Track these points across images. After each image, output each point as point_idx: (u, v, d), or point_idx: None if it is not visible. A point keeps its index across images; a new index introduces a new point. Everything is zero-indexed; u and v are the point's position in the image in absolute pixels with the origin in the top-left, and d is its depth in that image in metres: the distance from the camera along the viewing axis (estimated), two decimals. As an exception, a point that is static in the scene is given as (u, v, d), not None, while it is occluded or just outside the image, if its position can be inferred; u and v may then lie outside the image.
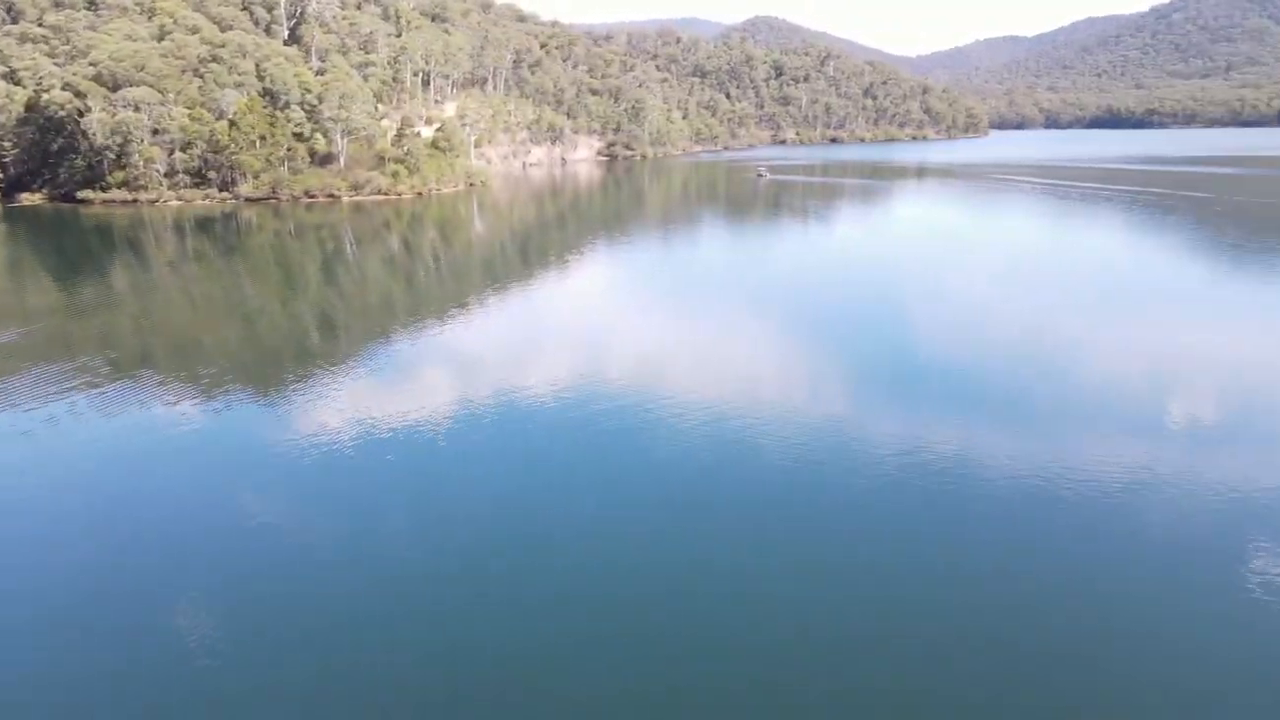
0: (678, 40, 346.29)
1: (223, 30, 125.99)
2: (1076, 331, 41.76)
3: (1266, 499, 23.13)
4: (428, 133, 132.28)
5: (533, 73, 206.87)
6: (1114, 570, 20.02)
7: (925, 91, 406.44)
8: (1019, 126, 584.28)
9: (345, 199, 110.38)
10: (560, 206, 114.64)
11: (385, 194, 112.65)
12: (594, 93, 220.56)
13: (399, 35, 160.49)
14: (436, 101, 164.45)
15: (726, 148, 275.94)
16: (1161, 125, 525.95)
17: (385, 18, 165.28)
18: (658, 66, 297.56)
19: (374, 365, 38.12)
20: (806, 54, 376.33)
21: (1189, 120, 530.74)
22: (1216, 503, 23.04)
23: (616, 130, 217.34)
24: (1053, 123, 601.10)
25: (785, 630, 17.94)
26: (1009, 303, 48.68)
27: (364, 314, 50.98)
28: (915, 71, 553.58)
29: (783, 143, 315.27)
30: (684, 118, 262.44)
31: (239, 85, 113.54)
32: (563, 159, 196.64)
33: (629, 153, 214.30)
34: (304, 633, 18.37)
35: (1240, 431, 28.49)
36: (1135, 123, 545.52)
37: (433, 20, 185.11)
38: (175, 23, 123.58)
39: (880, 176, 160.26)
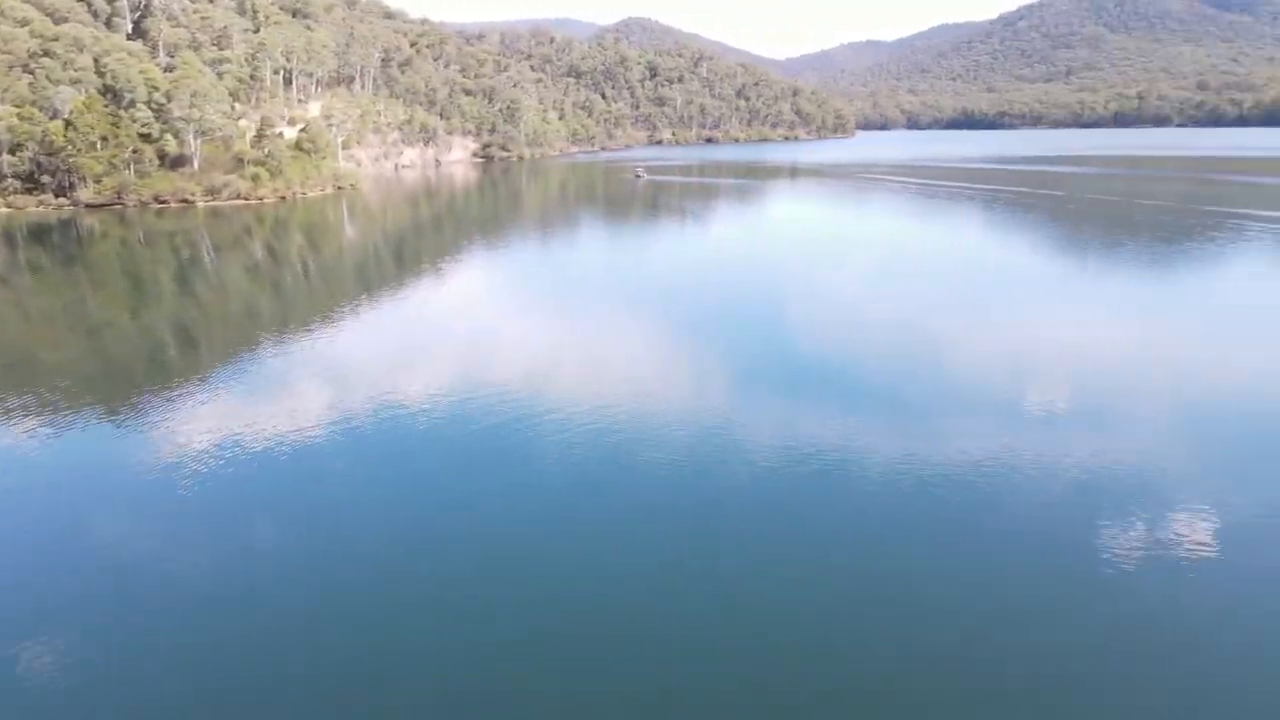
0: (551, 40, 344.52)
1: (56, 23, 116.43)
2: (955, 326, 42.77)
3: (1168, 482, 23.76)
4: (291, 133, 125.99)
5: (403, 72, 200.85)
6: (1071, 567, 19.97)
7: (795, 93, 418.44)
8: (883, 127, 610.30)
9: (201, 204, 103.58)
10: (436, 209, 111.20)
11: (245, 198, 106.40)
12: (467, 93, 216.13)
13: (256, 30, 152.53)
14: (300, 101, 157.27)
15: (604, 148, 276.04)
16: (1012, 126, 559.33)
17: (240, 12, 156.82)
18: (532, 67, 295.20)
19: (243, 380, 35.11)
20: (680, 55, 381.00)
21: (1036, 121, 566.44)
22: (1119, 486, 23.48)
23: (492, 131, 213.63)
24: (914, 124, 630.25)
25: (694, 629, 16.95)
26: (888, 300, 49.54)
27: (228, 325, 47.35)
28: (784, 73, 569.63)
29: (659, 143, 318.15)
30: (560, 118, 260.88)
31: (75, 82, 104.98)
32: (437, 160, 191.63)
33: (505, 154, 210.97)
34: (180, 682, 16.10)
35: (1129, 417, 29.38)
36: (988, 124, 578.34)
37: (294, 15, 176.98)
38: (2, 14, 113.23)
39: (755, 176, 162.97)
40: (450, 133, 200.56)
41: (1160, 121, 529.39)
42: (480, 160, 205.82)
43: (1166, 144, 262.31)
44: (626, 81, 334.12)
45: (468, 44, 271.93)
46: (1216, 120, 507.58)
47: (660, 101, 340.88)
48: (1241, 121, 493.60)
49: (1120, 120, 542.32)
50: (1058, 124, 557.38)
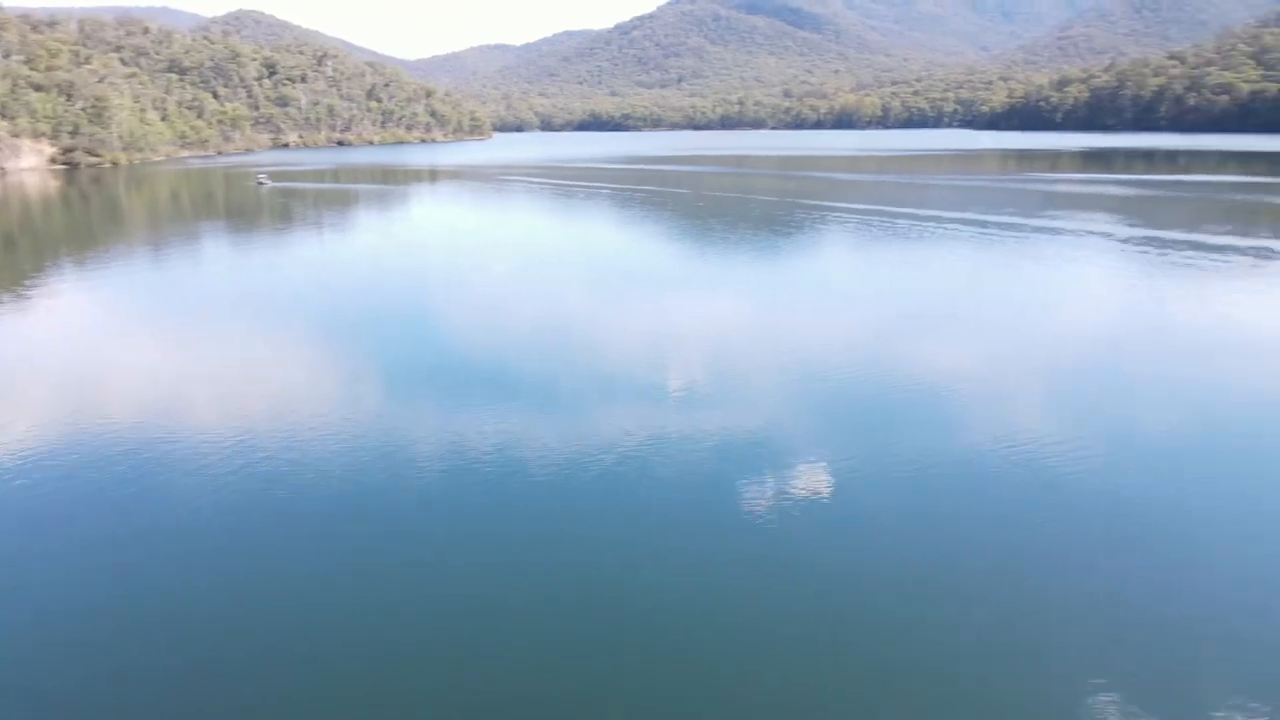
0: (146, 31, 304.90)
1: None
2: (604, 320, 43.24)
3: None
4: None
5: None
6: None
7: (429, 95, 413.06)
8: (518, 129, 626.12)
9: None
10: (4, 226, 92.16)
11: None
12: (37, 88, 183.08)
13: None
14: None
15: (220, 152, 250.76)
16: (635, 128, 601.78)
17: None
18: (123, 60, 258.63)
19: None
20: (301, 52, 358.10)
21: (656, 124, 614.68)
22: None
23: (74, 133, 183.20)
24: (548, 125, 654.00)
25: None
26: (539, 298, 49.04)
27: None
28: (416, 75, 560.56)
29: (285, 146, 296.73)
30: (163, 119, 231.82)
31: None
32: (1, 168, 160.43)
33: (95, 160, 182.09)
34: None
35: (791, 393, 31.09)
36: (614, 125, 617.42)
37: None
38: None
39: (395, 181, 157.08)
40: (17, 135, 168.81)
41: (758, 124, 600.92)
42: (62, 167, 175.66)
43: (764, 145, 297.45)
44: (241, 79, 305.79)
45: (34, 31, 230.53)
46: (800, 124, 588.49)
47: (283, 102, 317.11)
48: (819, 125, 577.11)
49: (726, 123, 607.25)
50: (675, 126, 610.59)
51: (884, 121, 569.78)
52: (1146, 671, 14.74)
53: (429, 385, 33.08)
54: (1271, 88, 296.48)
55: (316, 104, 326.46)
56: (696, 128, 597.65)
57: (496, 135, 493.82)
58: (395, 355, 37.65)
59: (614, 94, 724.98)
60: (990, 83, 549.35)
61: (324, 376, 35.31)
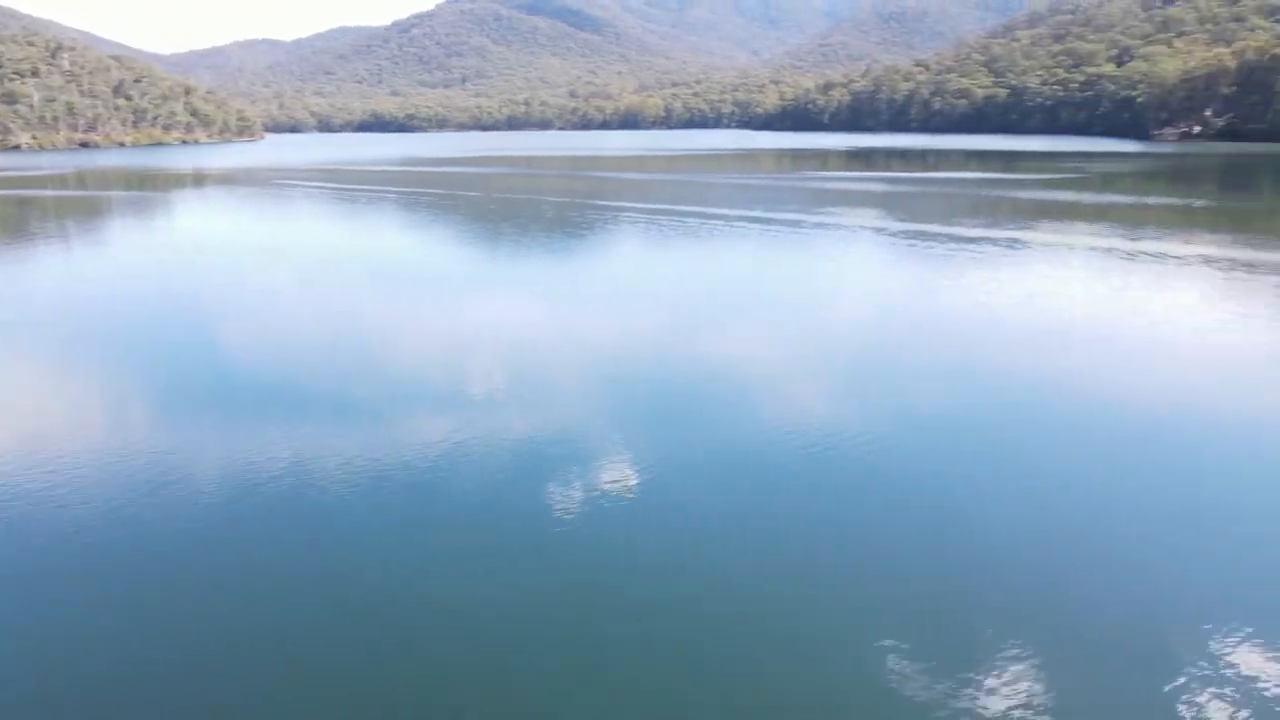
0: None
1: None
2: (397, 328, 41.06)
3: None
4: None
5: None
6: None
7: (188, 92, 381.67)
8: (293, 130, 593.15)
9: None
10: None
11: None
12: None
13: None
14: None
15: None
16: (420, 129, 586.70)
17: None
18: None
19: None
20: (30, 43, 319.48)
21: (442, 125, 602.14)
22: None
23: None
24: (326, 126, 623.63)
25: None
26: (328, 307, 45.87)
27: None
28: (173, 70, 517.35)
29: (16, 149, 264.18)
30: None
31: None
32: None
33: None
34: None
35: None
36: (398, 126, 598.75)
37: None
38: None
39: (153, 186, 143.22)
40: None
41: (545, 125, 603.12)
42: None
43: (553, 145, 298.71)
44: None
45: None
46: (587, 124, 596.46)
47: (10, 99, 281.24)
48: (605, 125, 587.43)
49: (513, 124, 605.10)
50: (461, 126, 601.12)
51: (667, 122, 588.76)
52: (934, 640, 15.39)
53: (208, 405, 29.87)
54: (1001, 93, 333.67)
55: (52, 101, 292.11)
56: (484, 128, 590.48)
57: (269, 136, 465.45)
58: (162, 375, 33.74)
59: (396, 94, 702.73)
60: (763, 86, 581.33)
61: (90, 397, 31.07)
